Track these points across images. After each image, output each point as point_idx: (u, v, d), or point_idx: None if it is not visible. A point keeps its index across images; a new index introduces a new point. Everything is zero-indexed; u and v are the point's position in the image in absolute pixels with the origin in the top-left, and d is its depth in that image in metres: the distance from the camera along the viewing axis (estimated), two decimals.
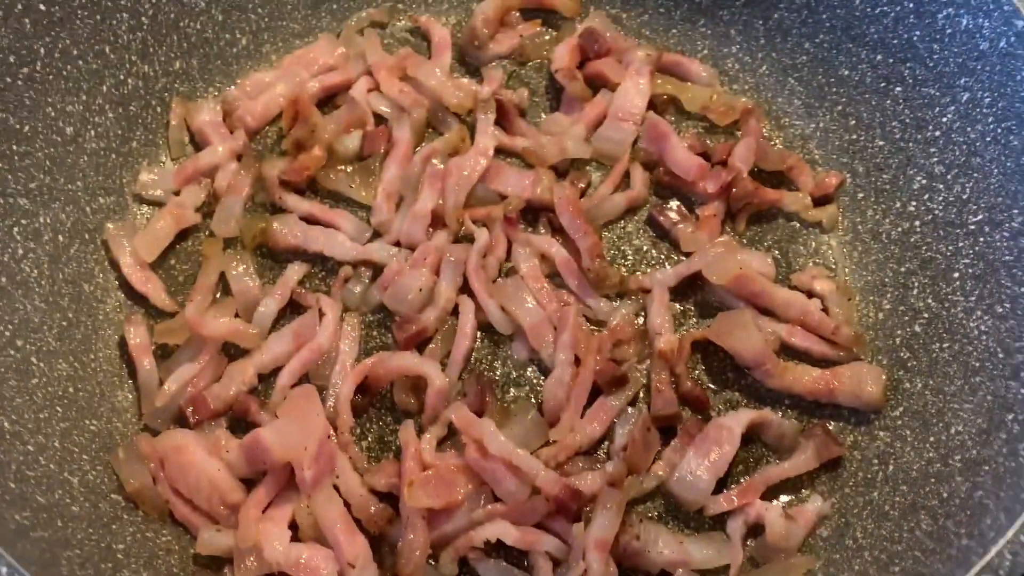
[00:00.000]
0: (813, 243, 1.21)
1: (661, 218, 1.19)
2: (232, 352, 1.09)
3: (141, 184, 1.21)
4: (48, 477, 0.88)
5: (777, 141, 1.28)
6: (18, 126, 1.05)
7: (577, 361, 1.06)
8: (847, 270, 1.19)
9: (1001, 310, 1.01)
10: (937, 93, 1.14)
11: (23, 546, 0.71)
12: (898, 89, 1.19)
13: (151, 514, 0.96)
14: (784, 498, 1.02)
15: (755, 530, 0.99)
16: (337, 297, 1.13)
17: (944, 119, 1.13)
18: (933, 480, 0.94)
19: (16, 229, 1.03)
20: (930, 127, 1.15)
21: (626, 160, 1.21)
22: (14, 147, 1.05)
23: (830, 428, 1.05)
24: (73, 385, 1.01)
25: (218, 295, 1.14)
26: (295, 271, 1.14)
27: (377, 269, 1.14)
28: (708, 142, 1.23)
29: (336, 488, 0.98)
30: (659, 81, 1.28)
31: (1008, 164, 1.05)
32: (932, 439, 0.99)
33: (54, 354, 1.01)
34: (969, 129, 1.10)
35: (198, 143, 1.25)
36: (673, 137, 1.20)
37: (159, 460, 0.99)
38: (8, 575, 0.67)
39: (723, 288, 1.10)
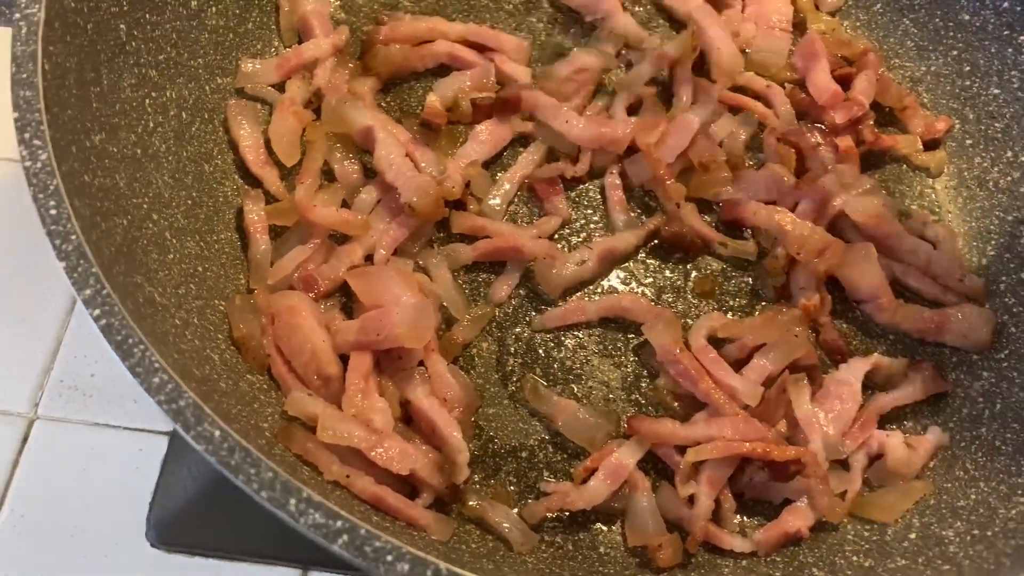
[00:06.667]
0: (918, 186, 1.22)
1: (808, 134, 1.13)
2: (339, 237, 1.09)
3: (243, 76, 1.16)
4: (196, 352, 0.88)
5: None
6: None
7: None
8: (950, 215, 1.20)
9: None
10: None
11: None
12: (1022, 38, 1.19)
13: (251, 364, 0.97)
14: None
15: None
16: None
17: None
18: None
19: (148, 101, 1.01)
20: None
21: None
22: (147, 16, 1.02)
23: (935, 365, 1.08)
24: (201, 264, 1.01)
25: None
26: None
27: None
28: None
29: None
30: None
31: None
32: None
33: (183, 231, 1.00)
34: None
35: (301, 34, 1.22)
36: (824, 59, 1.19)
37: (271, 316, 1.00)
38: (220, 439, 0.67)
39: (860, 225, 1.09)
